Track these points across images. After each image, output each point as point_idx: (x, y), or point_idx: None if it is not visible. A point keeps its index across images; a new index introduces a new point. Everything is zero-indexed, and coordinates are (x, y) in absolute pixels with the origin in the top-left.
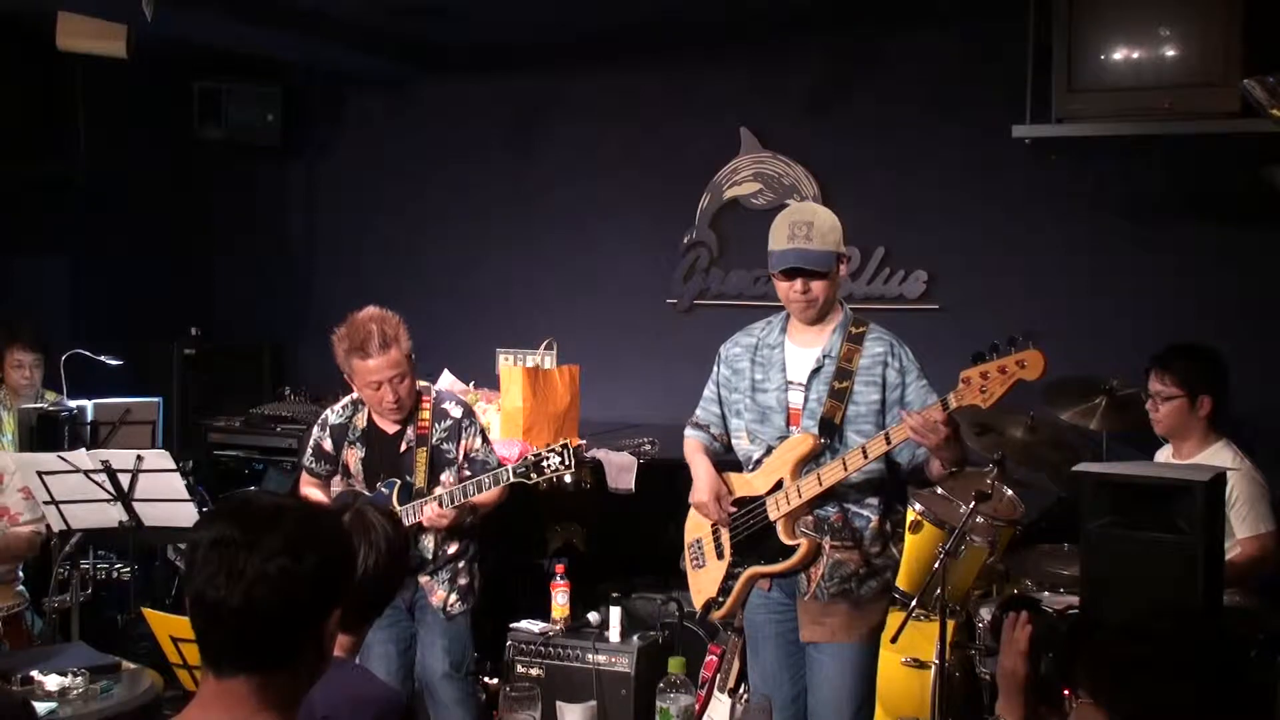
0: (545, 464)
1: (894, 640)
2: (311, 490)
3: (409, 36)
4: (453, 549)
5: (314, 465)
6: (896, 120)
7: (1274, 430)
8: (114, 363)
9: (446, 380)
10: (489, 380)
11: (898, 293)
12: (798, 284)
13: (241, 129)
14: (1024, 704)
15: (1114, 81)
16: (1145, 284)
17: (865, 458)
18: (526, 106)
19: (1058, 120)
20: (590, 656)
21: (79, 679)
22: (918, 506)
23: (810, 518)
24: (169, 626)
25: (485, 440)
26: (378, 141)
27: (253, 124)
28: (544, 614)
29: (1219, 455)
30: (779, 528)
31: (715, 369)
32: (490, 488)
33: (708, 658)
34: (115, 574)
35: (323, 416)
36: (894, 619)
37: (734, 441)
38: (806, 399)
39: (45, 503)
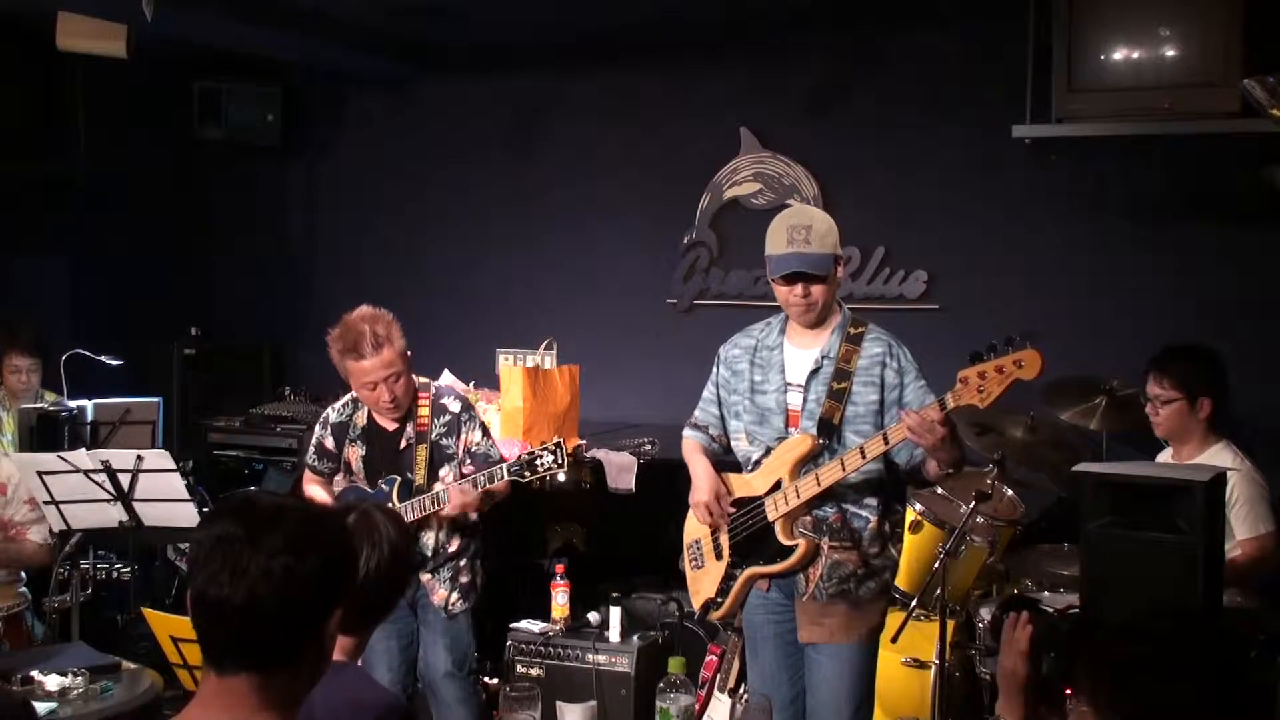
0: (538, 462)
1: (894, 640)
2: (314, 488)
3: (409, 36)
4: (454, 546)
5: (316, 463)
6: (896, 120)
7: (1274, 430)
8: (114, 363)
9: (446, 380)
10: (489, 380)
11: (898, 293)
12: (798, 288)
13: (241, 129)
14: (1024, 704)
15: (1114, 81)
16: (1145, 284)
17: (863, 458)
18: (526, 106)
19: (1058, 120)
20: (590, 656)
21: (79, 679)
22: (918, 506)
23: (809, 518)
24: (169, 626)
25: (485, 433)
26: (378, 141)
27: (253, 124)
28: (544, 614)
29: (1219, 456)
30: (777, 528)
31: (714, 370)
32: (500, 479)
33: (708, 658)
34: (115, 574)
35: (324, 414)
36: (894, 619)
37: (733, 443)
38: (805, 400)
39: (45, 503)
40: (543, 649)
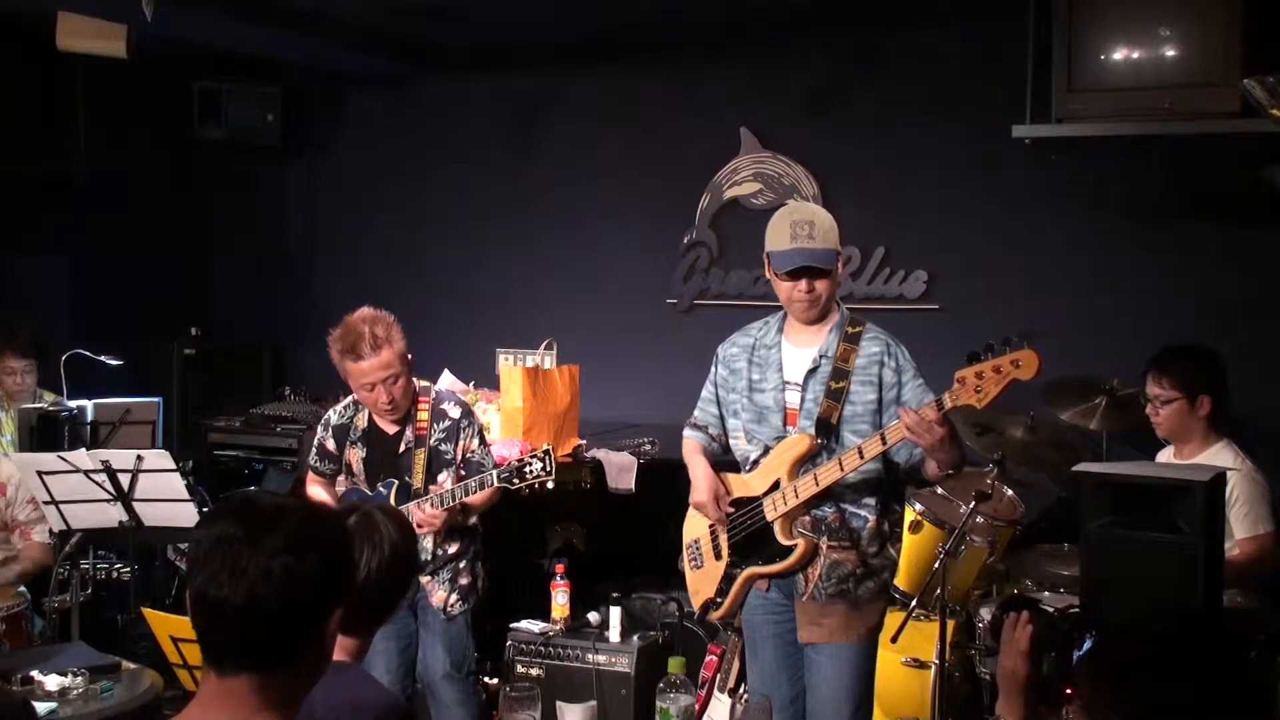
0: (527, 470)
1: (894, 640)
2: (316, 489)
3: (409, 36)
4: (453, 549)
5: (318, 464)
6: (896, 120)
7: (1274, 430)
8: (114, 363)
9: (446, 380)
10: (489, 380)
11: (898, 293)
12: (802, 284)
13: (241, 129)
14: (1024, 704)
15: (1114, 81)
16: (1145, 284)
17: (861, 458)
18: (526, 106)
19: (1058, 120)
20: (590, 656)
21: (79, 679)
22: (918, 506)
23: (807, 518)
24: (169, 626)
25: (483, 441)
26: (378, 141)
27: (253, 124)
28: (544, 614)
29: (1220, 456)
30: (776, 528)
31: (713, 369)
32: (477, 491)
33: (708, 658)
34: (115, 574)
35: (325, 417)
36: (894, 619)
37: (731, 442)
38: (803, 399)
39: (45, 503)
40: (543, 649)
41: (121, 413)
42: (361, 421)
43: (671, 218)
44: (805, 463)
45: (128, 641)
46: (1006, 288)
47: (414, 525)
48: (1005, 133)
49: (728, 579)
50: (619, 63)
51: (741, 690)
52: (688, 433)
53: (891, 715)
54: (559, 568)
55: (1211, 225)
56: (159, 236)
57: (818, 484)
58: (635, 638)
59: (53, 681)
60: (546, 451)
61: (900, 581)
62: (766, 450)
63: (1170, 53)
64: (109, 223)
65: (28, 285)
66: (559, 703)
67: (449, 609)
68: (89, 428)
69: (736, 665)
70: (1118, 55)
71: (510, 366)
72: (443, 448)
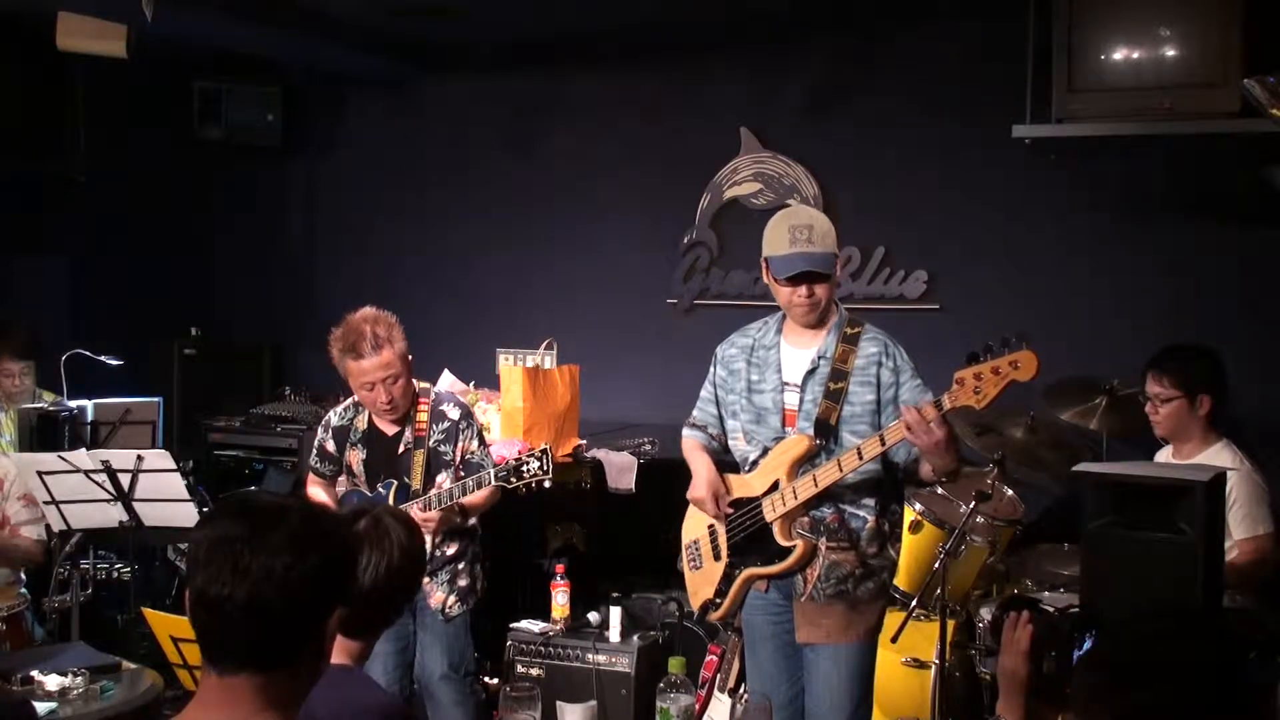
0: (525, 469)
1: (894, 640)
2: (317, 490)
3: (409, 36)
4: (451, 550)
5: (319, 465)
6: (896, 120)
7: (1274, 430)
8: (114, 363)
9: (446, 380)
10: (489, 380)
11: (898, 293)
12: (803, 289)
13: (241, 129)
14: (1025, 704)
15: (1114, 81)
16: (1145, 284)
17: (860, 459)
18: (526, 106)
19: (1058, 120)
20: (590, 656)
21: (79, 679)
22: (918, 506)
23: (806, 519)
24: (169, 626)
25: (482, 443)
26: (378, 141)
27: (253, 124)
28: (544, 614)
29: (1219, 456)
30: (775, 529)
31: (712, 370)
32: (474, 491)
33: (708, 658)
34: (115, 574)
35: (325, 418)
36: (894, 619)
37: (731, 442)
38: (802, 400)
39: (45, 503)
40: (543, 649)
41: (121, 413)
42: (361, 423)
43: (671, 218)
44: (804, 463)
45: (128, 641)
46: (1006, 288)
47: None
48: (1005, 133)
49: (727, 579)
50: (619, 63)
51: (742, 690)
52: (687, 432)
53: (891, 715)
54: (559, 568)
55: (1211, 225)
56: (159, 236)
57: (816, 485)
58: (635, 638)
59: (53, 681)
60: (544, 451)
61: (900, 581)
62: (765, 451)
63: (1170, 53)
64: (109, 223)
65: (28, 285)
66: (559, 703)
67: (447, 610)
68: (89, 428)
69: (736, 665)
70: (1118, 55)
71: (510, 366)
72: (442, 449)
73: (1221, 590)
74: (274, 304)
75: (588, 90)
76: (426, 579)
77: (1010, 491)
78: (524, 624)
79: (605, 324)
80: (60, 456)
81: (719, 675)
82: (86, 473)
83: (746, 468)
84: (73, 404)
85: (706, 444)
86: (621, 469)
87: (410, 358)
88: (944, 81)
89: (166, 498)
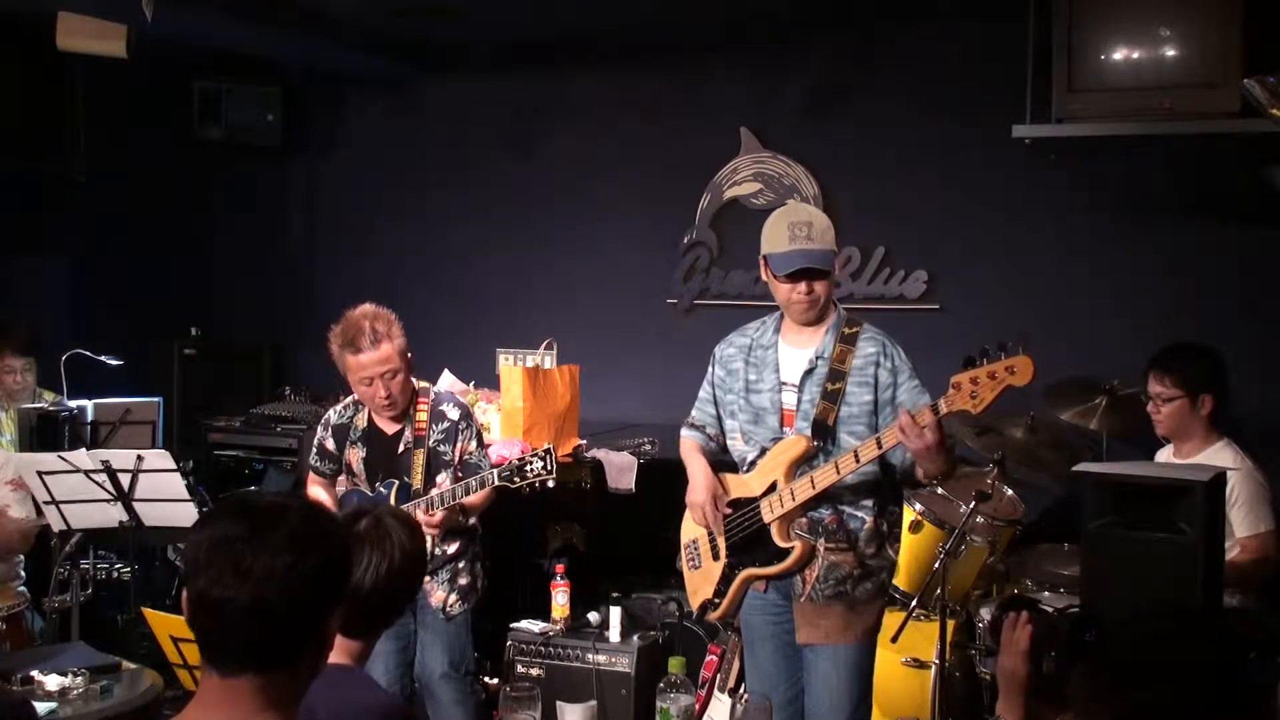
0: (528, 469)
1: (894, 640)
2: (317, 490)
3: (409, 36)
4: (452, 549)
5: (319, 464)
6: (896, 120)
7: (1274, 430)
8: (114, 363)
9: (446, 380)
10: (489, 380)
11: (898, 293)
12: (802, 286)
13: (241, 129)
14: (1024, 704)
15: (1114, 81)
16: (1145, 284)
17: (857, 462)
18: (526, 106)
19: (1058, 120)
20: (590, 656)
21: (79, 679)
22: (918, 506)
23: (804, 520)
24: (169, 626)
25: (480, 443)
26: (378, 141)
27: (253, 124)
28: (544, 614)
29: (1220, 455)
30: (773, 530)
31: (710, 369)
32: (476, 490)
33: (708, 658)
34: (115, 574)
35: (325, 417)
36: (894, 619)
37: (729, 442)
38: (800, 400)
39: (45, 503)
40: (543, 649)
41: (121, 413)
42: (361, 421)
43: (671, 218)
44: (802, 464)
45: (128, 641)
46: (1006, 288)
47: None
48: (1005, 133)
49: (725, 579)
50: (619, 63)
51: (742, 690)
52: (685, 432)
53: (891, 715)
54: (559, 568)
55: (1211, 225)
56: (159, 236)
57: (814, 487)
58: (635, 638)
59: (53, 681)
60: (548, 451)
61: (900, 581)
62: (763, 451)
63: (1170, 53)
64: (109, 223)
65: (28, 285)
66: (559, 703)
67: (448, 609)
68: (89, 428)
69: (737, 665)
70: (1118, 55)
71: (510, 366)
72: (441, 449)
73: (1221, 590)
74: (274, 304)
75: (588, 90)
76: (427, 578)
77: (1010, 491)
78: (524, 624)
79: (605, 324)
80: (60, 456)
81: (719, 675)
82: (86, 473)
83: (745, 468)
84: (73, 404)
85: (704, 445)
86: (621, 469)
87: (410, 355)
88: (944, 81)
89: (166, 498)
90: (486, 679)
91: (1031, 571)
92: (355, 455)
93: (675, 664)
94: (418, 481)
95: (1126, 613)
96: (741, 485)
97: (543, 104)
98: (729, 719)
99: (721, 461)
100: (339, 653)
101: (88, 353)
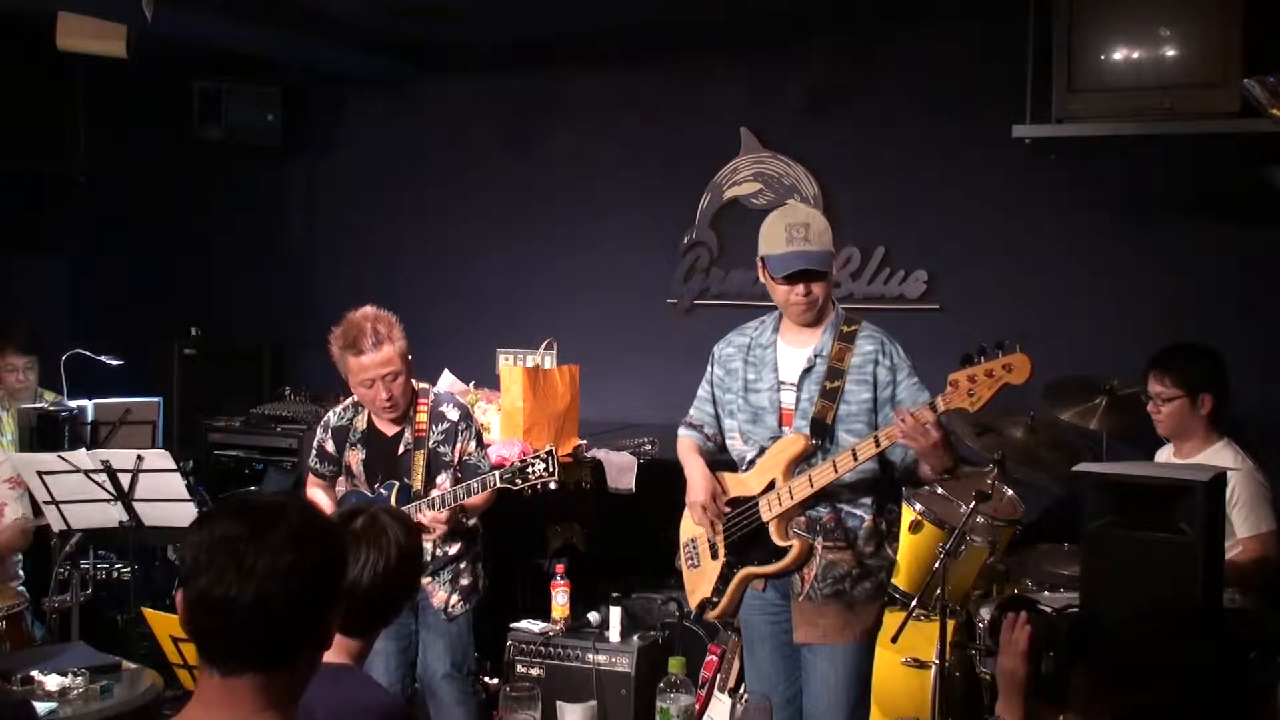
0: (530, 470)
1: (894, 640)
2: (317, 491)
3: (409, 36)
4: (453, 550)
5: (318, 466)
6: (896, 120)
7: (1274, 430)
8: (114, 363)
9: (446, 380)
10: (489, 380)
11: (898, 293)
12: (800, 288)
13: (241, 129)
14: (1024, 704)
15: (1114, 81)
16: (1145, 284)
17: (856, 460)
18: (526, 106)
19: (1058, 120)
20: (590, 656)
21: (79, 679)
22: (918, 506)
23: (803, 518)
24: (169, 626)
25: (480, 444)
26: (378, 141)
27: (253, 124)
28: (544, 614)
29: (1220, 455)
30: (772, 529)
31: (709, 369)
32: (478, 492)
33: (708, 658)
34: (115, 574)
35: (324, 418)
36: (894, 619)
37: (728, 441)
38: (798, 399)
39: (45, 502)
40: (543, 649)
41: (121, 413)
42: (361, 423)
43: (671, 218)
44: (800, 463)
45: (128, 641)
46: (1006, 288)
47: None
48: (1005, 133)
49: (724, 578)
50: (619, 63)
51: (742, 690)
52: (683, 432)
53: (891, 715)
54: (559, 568)
55: (1211, 225)
56: (159, 236)
57: (812, 485)
58: (635, 638)
59: (53, 681)
60: (549, 452)
61: (900, 581)
62: (762, 450)
63: (1170, 53)
64: (109, 223)
65: (28, 285)
66: (559, 703)
67: (450, 609)
68: (89, 428)
69: (737, 665)
70: (1118, 55)
71: (510, 366)
72: (441, 450)
73: (1221, 590)
74: (274, 304)
75: (588, 90)
76: (429, 579)
77: (1010, 491)
78: (524, 624)
79: (605, 324)
80: (60, 456)
81: (719, 675)
82: (86, 473)
83: (743, 467)
84: (73, 404)
85: (701, 444)
86: (621, 469)
87: (410, 357)
88: (944, 81)
89: (166, 498)
90: (487, 679)
91: (1031, 571)
92: (355, 457)
93: (675, 664)
94: (418, 483)
95: (1126, 613)
96: (740, 484)
97: (543, 104)
98: (729, 719)
99: (719, 461)
100: (338, 651)
101: (88, 353)
